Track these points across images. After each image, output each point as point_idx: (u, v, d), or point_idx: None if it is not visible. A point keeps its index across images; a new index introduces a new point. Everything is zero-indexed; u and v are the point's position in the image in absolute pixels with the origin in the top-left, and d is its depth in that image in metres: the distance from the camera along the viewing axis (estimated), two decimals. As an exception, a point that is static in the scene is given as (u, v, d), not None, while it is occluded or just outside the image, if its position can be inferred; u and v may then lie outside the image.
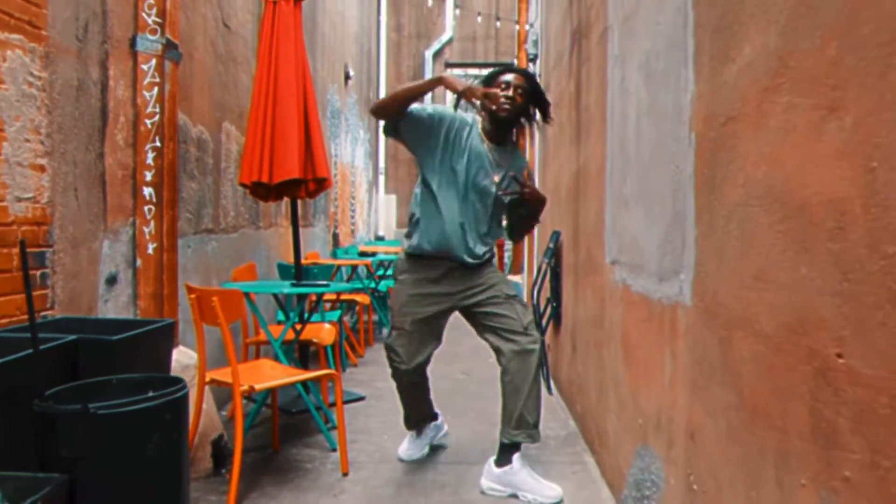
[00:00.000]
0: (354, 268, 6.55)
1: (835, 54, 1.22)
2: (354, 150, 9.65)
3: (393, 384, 3.38)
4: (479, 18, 11.29)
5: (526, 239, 7.89)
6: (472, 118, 3.14)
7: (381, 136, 11.68)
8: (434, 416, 3.61)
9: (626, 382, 2.81)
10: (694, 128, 1.96)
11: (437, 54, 12.36)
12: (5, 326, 2.35)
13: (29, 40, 2.49)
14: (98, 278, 3.02)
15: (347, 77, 8.91)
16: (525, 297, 7.56)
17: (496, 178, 3.07)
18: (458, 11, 10.99)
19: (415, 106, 3.01)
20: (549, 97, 5.39)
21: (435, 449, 3.62)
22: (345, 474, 3.25)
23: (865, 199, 1.11)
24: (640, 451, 2.56)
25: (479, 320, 3.17)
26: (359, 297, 6.31)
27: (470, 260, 3.09)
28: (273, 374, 3.25)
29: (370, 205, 11.23)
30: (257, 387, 2.96)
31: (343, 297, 6.06)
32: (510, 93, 2.99)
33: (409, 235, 3.20)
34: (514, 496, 2.99)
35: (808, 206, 1.29)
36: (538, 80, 5.14)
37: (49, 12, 2.60)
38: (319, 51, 7.28)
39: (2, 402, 1.69)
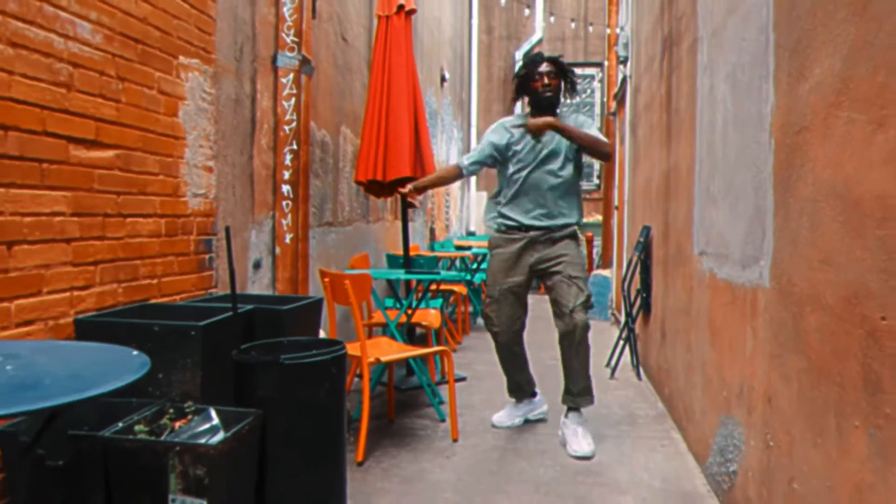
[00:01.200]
0: (452, 260, 6.98)
1: (882, 80, 1.53)
2: (449, 149, 10.10)
3: (494, 359, 3.87)
4: (573, 24, 11.53)
5: (615, 235, 8.16)
6: (510, 121, 3.84)
7: (474, 136, 12.12)
8: (534, 393, 4.00)
9: (711, 361, 3.12)
10: (773, 135, 2.27)
11: (526, 55, 12.68)
12: (185, 300, 2.87)
13: (203, 63, 3.00)
14: (247, 263, 3.53)
15: (443, 79, 9.37)
16: (615, 290, 7.84)
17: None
18: (552, 19, 11.26)
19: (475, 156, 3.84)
20: (640, 98, 5.69)
21: (533, 422, 3.99)
22: (455, 440, 3.67)
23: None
24: (724, 421, 2.87)
25: (547, 292, 3.72)
26: (456, 288, 6.73)
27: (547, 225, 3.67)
28: (393, 350, 3.69)
29: (462, 202, 11.69)
30: (383, 358, 3.41)
31: (442, 287, 6.49)
32: (546, 80, 3.63)
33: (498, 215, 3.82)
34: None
35: (862, 201, 1.61)
36: (628, 81, 5.44)
37: (216, 38, 3.11)
38: (419, 56, 7.74)
39: (206, 354, 2.17)
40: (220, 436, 1.90)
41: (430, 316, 4.78)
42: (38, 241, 2.09)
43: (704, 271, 3.28)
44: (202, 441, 1.89)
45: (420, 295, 4.85)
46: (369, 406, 3.36)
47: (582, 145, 3.62)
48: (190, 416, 2.05)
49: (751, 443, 2.50)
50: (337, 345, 2.31)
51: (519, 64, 4.07)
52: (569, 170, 3.69)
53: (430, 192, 8.40)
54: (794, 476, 2.04)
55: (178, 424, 2.03)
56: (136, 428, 1.94)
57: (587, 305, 3.59)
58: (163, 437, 1.93)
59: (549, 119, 3.51)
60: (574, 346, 3.55)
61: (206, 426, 1.94)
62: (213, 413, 1.97)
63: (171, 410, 2.05)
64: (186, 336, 2.10)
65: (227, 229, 2.25)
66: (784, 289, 2.15)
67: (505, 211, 3.76)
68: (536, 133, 3.55)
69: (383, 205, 6.25)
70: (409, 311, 4.48)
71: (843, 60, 1.73)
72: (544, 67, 3.66)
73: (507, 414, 3.95)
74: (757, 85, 2.47)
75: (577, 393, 3.65)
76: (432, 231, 8.69)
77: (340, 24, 4.89)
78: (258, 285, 3.61)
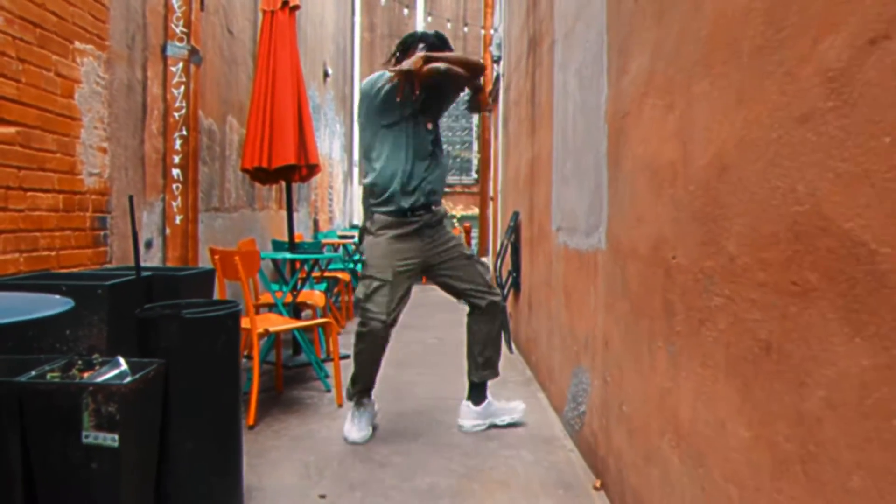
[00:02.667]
0: (336, 247, 7.24)
1: (672, 73, 1.97)
2: (332, 144, 10.32)
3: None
4: (449, 25, 12.01)
5: (490, 225, 8.66)
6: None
7: (356, 131, 12.37)
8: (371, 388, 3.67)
9: (565, 323, 3.57)
10: (606, 121, 2.71)
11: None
12: (81, 271, 3.04)
13: (97, 49, 3.17)
14: (139, 242, 3.70)
15: (326, 75, 9.59)
16: (491, 275, 8.32)
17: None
18: (429, 18, 11.68)
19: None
20: (511, 94, 6.15)
21: (412, 390, 4.34)
22: (340, 406, 3.97)
23: (684, 160, 1.86)
24: (575, 371, 3.32)
25: (445, 280, 3.58)
26: (340, 275, 7.01)
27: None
28: (280, 322, 3.95)
29: (345, 195, 11.92)
30: (271, 329, 3.67)
31: (326, 274, 6.76)
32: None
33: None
34: (493, 425, 3.61)
35: (660, 168, 2.05)
36: (501, 79, 5.87)
37: (110, 26, 3.28)
38: (302, 51, 7.93)
39: (111, 312, 2.38)
40: (129, 378, 2.14)
41: (315, 296, 5.05)
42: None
43: (560, 245, 3.73)
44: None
45: (305, 276, 5.11)
46: (259, 378, 3.61)
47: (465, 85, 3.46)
48: (97, 367, 2.26)
49: (594, 383, 2.95)
50: (232, 304, 2.57)
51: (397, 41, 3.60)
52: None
53: (313, 182, 8.62)
54: (623, 400, 2.48)
55: (86, 375, 2.24)
56: (49, 376, 2.15)
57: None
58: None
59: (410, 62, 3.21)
60: (498, 319, 3.65)
61: (115, 372, 2.16)
62: (122, 360, 2.19)
63: (80, 362, 2.25)
64: (93, 295, 2.30)
65: (131, 198, 2.46)
66: (614, 248, 2.60)
67: None
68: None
69: (268, 194, 6.45)
70: (295, 291, 4.74)
71: (648, 58, 2.17)
72: (421, 45, 3.47)
73: (358, 423, 3.48)
74: (596, 79, 2.91)
75: (496, 362, 3.70)
76: (316, 222, 8.91)
77: (226, 16, 5.07)
78: (150, 264, 3.78)
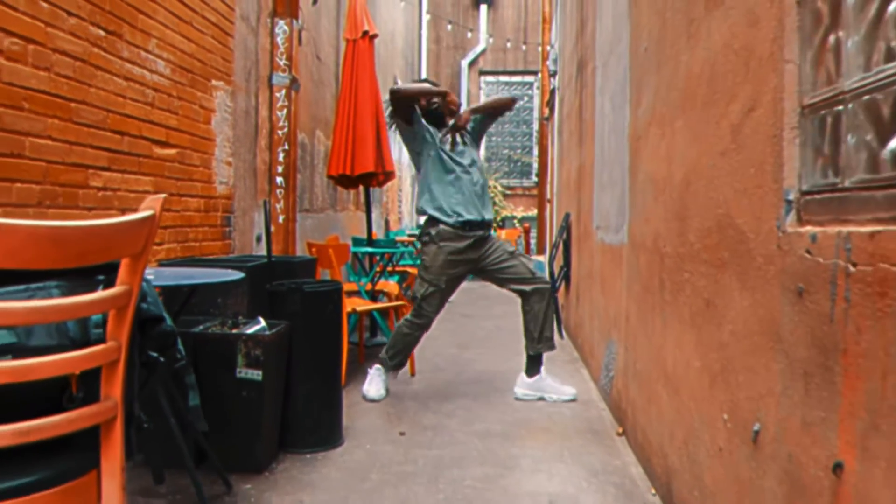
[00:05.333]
0: (406, 244, 8.06)
1: (664, 111, 2.67)
2: (401, 150, 11.17)
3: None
4: (509, 44, 12.74)
5: (548, 224, 9.35)
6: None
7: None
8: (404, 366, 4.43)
9: (601, 306, 4.28)
10: (628, 141, 3.42)
11: (472, 63, 13.88)
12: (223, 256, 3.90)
13: (225, 84, 4.03)
14: (252, 237, 4.56)
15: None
16: (547, 271, 9.02)
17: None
18: (491, 40, 12.43)
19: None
20: (564, 107, 6.83)
21: (473, 363, 5.10)
22: (413, 375, 4.75)
23: (670, 176, 2.57)
24: (608, 345, 4.02)
25: (497, 275, 4.24)
26: (410, 269, 7.83)
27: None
28: (364, 304, 4.76)
29: (413, 197, 12.78)
30: (358, 309, 4.47)
31: (397, 269, 7.58)
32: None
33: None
34: (542, 398, 4.23)
35: (657, 181, 2.75)
36: (555, 92, 6.57)
37: (234, 65, 4.14)
38: (376, 67, 8.81)
39: (250, 289, 3.21)
40: (269, 332, 2.96)
41: (389, 285, 5.86)
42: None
43: (598, 241, 4.44)
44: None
45: (381, 269, 5.93)
46: (347, 348, 4.41)
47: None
48: (241, 326, 3.08)
49: (620, 351, 3.65)
50: (336, 283, 3.37)
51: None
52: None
53: (385, 186, 9.47)
54: (637, 360, 3.19)
55: (234, 330, 3.07)
56: (211, 329, 2.98)
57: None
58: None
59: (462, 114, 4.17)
60: (546, 299, 4.19)
61: (257, 328, 2.98)
62: (261, 319, 3.01)
63: (230, 322, 3.08)
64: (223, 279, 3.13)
65: (266, 202, 3.30)
66: (633, 242, 3.30)
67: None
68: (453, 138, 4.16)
69: (347, 197, 7.30)
70: (374, 280, 5.55)
71: (653, 96, 2.88)
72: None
73: (377, 387, 4.17)
74: (622, 106, 3.62)
75: (550, 337, 4.24)
76: (387, 222, 9.76)
77: (315, 46, 5.93)
78: (259, 253, 4.64)
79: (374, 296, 5.87)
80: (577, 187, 5.71)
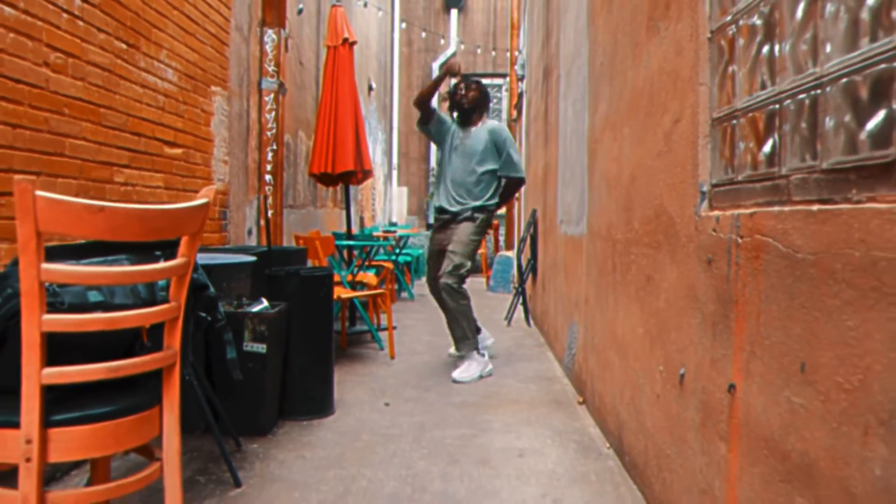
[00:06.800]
0: (381, 240, 8.47)
1: (615, 119, 3.11)
2: (374, 149, 11.56)
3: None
4: (479, 50, 13.20)
5: (516, 222, 9.81)
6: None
7: (395, 137, 13.62)
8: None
9: (565, 292, 4.72)
10: (587, 143, 3.86)
11: (442, 66, 14.32)
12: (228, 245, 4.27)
13: (222, 89, 4.40)
14: (244, 230, 4.93)
15: (370, 88, 10.82)
16: (515, 266, 9.48)
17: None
18: (462, 46, 12.86)
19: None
20: (532, 110, 7.28)
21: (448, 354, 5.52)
22: (392, 358, 5.16)
23: (619, 174, 3.01)
24: (570, 327, 4.47)
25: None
26: (385, 264, 8.23)
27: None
28: (348, 292, 5.16)
29: (385, 195, 13.18)
30: (343, 296, 4.87)
31: (373, 263, 7.97)
32: (464, 92, 4.80)
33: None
34: (480, 376, 4.61)
35: (610, 178, 3.20)
36: (523, 95, 7.04)
37: (230, 72, 4.51)
38: (352, 70, 9.21)
39: (252, 274, 3.59)
40: (271, 310, 3.35)
41: (368, 276, 6.26)
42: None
43: (562, 233, 4.89)
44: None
45: (361, 262, 6.32)
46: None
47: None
48: (245, 306, 3.47)
49: (580, 331, 4.10)
50: (328, 269, 3.77)
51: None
52: (484, 167, 4.70)
53: (361, 186, 9.85)
54: (594, 336, 3.63)
55: (240, 310, 3.45)
56: (221, 308, 3.35)
57: (457, 273, 4.59)
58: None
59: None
60: (450, 300, 4.63)
61: (261, 307, 3.37)
62: (264, 300, 3.40)
63: (235, 303, 3.46)
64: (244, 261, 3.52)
65: (263, 198, 3.67)
66: (591, 232, 3.75)
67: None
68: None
69: (326, 194, 7.68)
70: (355, 271, 5.95)
71: (606, 105, 3.33)
72: (465, 83, 4.84)
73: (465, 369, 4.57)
74: (582, 112, 4.06)
75: (456, 339, 4.74)
76: (361, 219, 10.15)
77: (299, 51, 6.30)
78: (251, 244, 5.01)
79: (354, 286, 6.27)
80: (543, 185, 6.16)
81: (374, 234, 8.32)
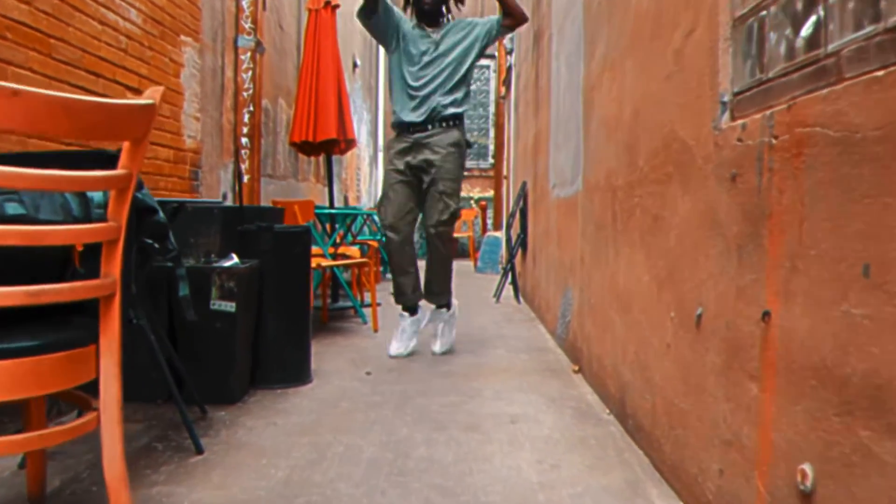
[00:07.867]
0: (366, 217, 8.19)
1: (615, 56, 2.86)
2: (360, 129, 11.26)
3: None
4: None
5: (504, 202, 9.56)
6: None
7: (382, 118, 13.31)
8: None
9: (557, 258, 4.48)
10: (582, 93, 3.61)
11: None
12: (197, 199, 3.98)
13: (194, 41, 4.11)
14: (219, 193, 4.65)
15: (355, 65, 10.53)
16: (504, 248, 9.24)
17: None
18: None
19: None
20: (521, 82, 7.02)
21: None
22: (375, 331, 4.90)
23: (620, 114, 2.76)
24: (564, 293, 4.22)
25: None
26: (371, 242, 7.96)
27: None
28: (329, 262, 4.89)
29: (371, 177, 12.88)
30: (323, 264, 4.60)
31: (358, 241, 7.70)
32: None
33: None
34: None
35: (609, 121, 2.95)
36: (511, 69, 6.78)
37: (202, 23, 4.22)
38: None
39: (222, 230, 3.32)
40: (242, 266, 3.08)
41: (352, 250, 6.00)
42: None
43: (554, 198, 4.64)
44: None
45: (343, 234, 6.05)
46: (311, 308, 4.54)
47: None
48: (214, 261, 3.19)
49: (575, 294, 3.85)
50: (305, 226, 3.51)
51: None
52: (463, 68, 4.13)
53: (345, 162, 9.57)
54: (591, 296, 3.39)
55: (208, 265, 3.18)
56: (186, 264, 3.08)
57: (453, 218, 4.06)
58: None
59: None
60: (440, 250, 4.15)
61: (230, 263, 3.10)
62: (234, 255, 3.13)
63: (202, 259, 3.19)
64: (211, 213, 3.24)
65: (237, 154, 3.40)
66: (587, 186, 3.50)
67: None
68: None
69: (308, 168, 7.39)
70: (337, 243, 5.68)
71: (605, 46, 3.07)
72: None
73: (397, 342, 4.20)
74: (577, 63, 3.81)
75: (435, 294, 4.30)
76: (346, 198, 9.86)
77: (279, 14, 6.02)
78: (224, 213, 4.73)
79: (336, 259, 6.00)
80: (534, 154, 5.91)
81: (360, 209, 8.05)
